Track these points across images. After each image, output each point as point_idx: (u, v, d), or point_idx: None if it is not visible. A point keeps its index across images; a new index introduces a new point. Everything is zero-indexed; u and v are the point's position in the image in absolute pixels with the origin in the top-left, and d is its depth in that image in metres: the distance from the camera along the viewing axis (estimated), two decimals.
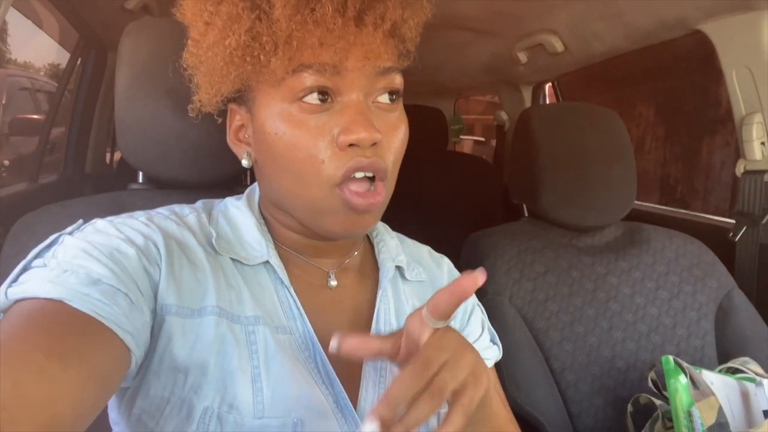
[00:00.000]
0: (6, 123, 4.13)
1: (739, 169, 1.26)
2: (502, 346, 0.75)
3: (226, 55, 0.53)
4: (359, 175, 0.53)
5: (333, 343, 0.48)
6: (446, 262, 0.75)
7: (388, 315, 0.63)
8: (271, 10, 0.51)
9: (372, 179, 0.55)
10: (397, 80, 0.56)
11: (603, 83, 3.25)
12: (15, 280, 0.47)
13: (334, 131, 0.53)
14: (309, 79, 0.52)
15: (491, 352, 0.72)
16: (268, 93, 0.54)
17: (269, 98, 0.54)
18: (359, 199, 0.53)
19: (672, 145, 3.42)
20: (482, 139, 7.22)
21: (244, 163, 0.61)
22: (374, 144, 0.53)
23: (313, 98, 0.53)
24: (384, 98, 0.56)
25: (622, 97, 3.50)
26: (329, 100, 0.53)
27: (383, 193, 0.55)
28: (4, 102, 4.42)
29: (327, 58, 0.51)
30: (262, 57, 0.52)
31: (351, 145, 0.52)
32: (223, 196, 0.69)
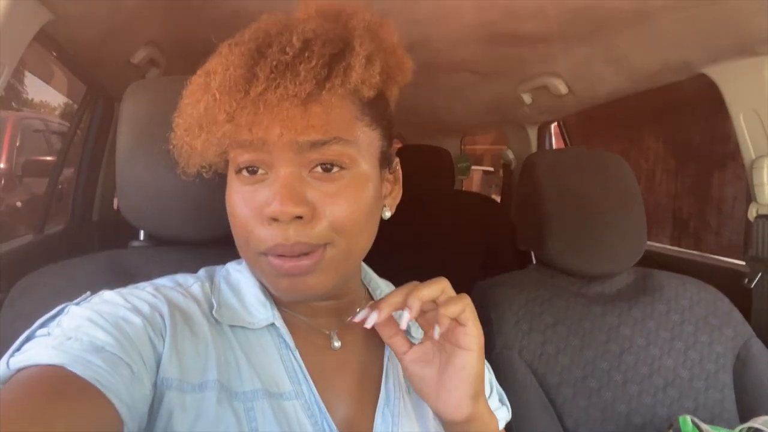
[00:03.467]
0: (19, 165, 4.21)
1: (752, 213, 1.24)
2: (513, 403, 0.73)
3: (178, 134, 0.57)
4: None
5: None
6: None
7: (396, 376, 0.63)
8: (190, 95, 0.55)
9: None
10: (339, 151, 0.54)
11: (610, 120, 3.26)
12: (18, 349, 0.47)
13: (263, 203, 0.53)
14: (239, 154, 0.54)
15: (501, 413, 0.70)
16: (230, 161, 0.57)
17: (230, 166, 0.57)
18: (288, 264, 0.53)
19: (683, 178, 3.39)
20: (491, 169, 7.25)
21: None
22: (299, 218, 0.52)
23: (249, 170, 0.55)
24: (318, 170, 0.54)
25: (631, 132, 3.50)
26: (264, 172, 0.54)
27: (320, 256, 0.54)
28: (18, 144, 4.52)
29: (240, 137, 0.52)
30: (187, 138, 0.56)
31: (275, 219, 0.52)
32: (225, 253, 0.69)
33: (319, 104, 0.53)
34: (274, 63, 0.51)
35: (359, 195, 0.55)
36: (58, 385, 0.42)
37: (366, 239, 0.58)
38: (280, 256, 0.53)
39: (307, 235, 0.52)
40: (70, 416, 0.41)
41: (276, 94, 0.51)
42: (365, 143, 0.56)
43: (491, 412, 0.56)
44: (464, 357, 0.52)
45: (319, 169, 0.54)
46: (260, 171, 0.54)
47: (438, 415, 0.55)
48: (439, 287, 0.54)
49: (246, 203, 0.54)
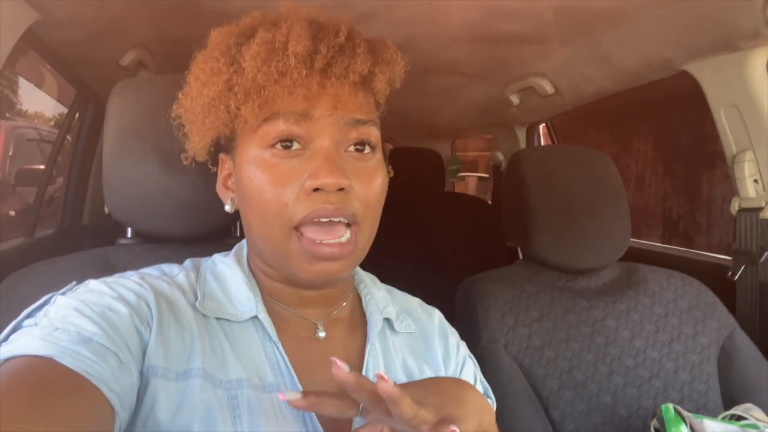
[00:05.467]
0: (12, 174, 4.20)
1: (734, 207, 1.25)
2: (498, 395, 0.73)
3: (205, 104, 0.57)
4: (324, 219, 0.54)
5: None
6: (437, 314, 0.74)
7: (377, 368, 0.63)
8: (243, 62, 0.55)
9: (347, 225, 0.56)
10: (372, 133, 0.58)
11: (599, 121, 3.28)
12: (5, 339, 0.48)
13: (302, 176, 0.54)
14: (279, 126, 0.55)
15: None
16: (246, 140, 0.57)
17: (247, 145, 0.57)
18: (325, 248, 0.54)
19: (672, 179, 3.41)
20: (486, 175, 7.25)
21: (227, 208, 0.64)
22: (341, 189, 0.54)
23: (284, 145, 0.55)
24: (354, 149, 0.57)
25: (620, 134, 3.52)
26: (300, 147, 0.56)
27: (354, 242, 0.56)
28: (11, 153, 4.50)
29: (295, 106, 0.54)
30: (233, 105, 0.55)
31: (316, 190, 0.54)
32: (212, 250, 0.69)
33: (366, 86, 0.57)
34: (331, 43, 0.54)
35: (382, 178, 0.59)
36: (49, 377, 0.43)
37: (376, 227, 0.61)
38: (321, 243, 0.54)
39: (348, 204, 0.55)
40: (65, 407, 0.41)
41: (339, 69, 0.54)
42: (380, 132, 0.61)
43: (487, 402, 0.56)
44: None
45: (354, 148, 0.57)
46: (296, 145, 0.55)
47: None
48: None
49: (279, 176, 0.55)
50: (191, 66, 0.61)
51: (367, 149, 0.58)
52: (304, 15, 0.58)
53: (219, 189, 0.65)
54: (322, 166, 0.53)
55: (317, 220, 0.54)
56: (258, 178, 0.55)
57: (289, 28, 0.54)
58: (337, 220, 0.55)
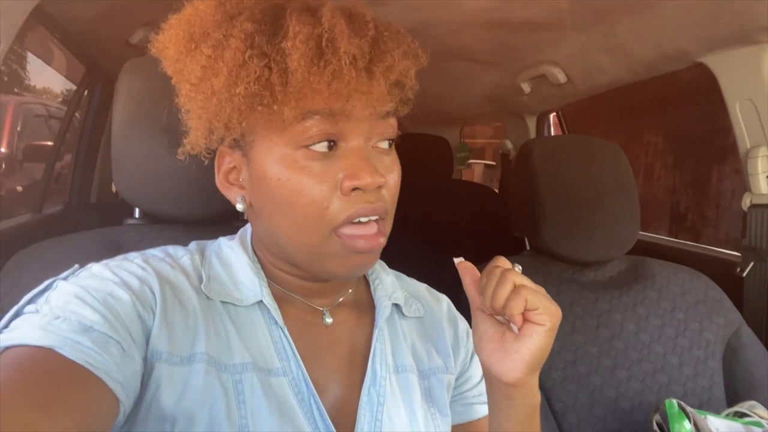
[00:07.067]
0: (20, 150, 4.21)
1: (745, 202, 1.24)
2: None
3: (234, 103, 0.52)
4: (364, 219, 0.54)
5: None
6: (446, 300, 0.74)
7: (384, 354, 0.62)
8: (285, 60, 0.50)
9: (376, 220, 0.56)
10: (395, 125, 0.58)
11: (610, 111, 3.25)
12: (6, 326, 0.47)
13: (338, 176, 0.53)
14: (315, 125, 0.52)
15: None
16: (270, 138, 0.54)
17: (271, 143, 0.54)
18: (361, 241, 0.54)
19: (681, 172, 3.38)
20: (493, 163, 7.22)
21: (239, 207, 0.60)
22: (379, 188, 0.54)
23: (321, 146, 0.53)
24: (384, 144, 0.57)
25: (630, 125, 3.49)
26: (333, 146, 0.54)
27: (383, 232, 0.56)
28: (19, 129, 4.51)
29: (335, 105, 0.52)
30: (275, 107, 0.51)
31: (355, 189, 0.53)
32: (220, 232, 0.69)
33: (399, 82, 0.56)
34: (366, 38, 0.52)
35: (398, 168, 0.59)
36: (50, 368, 0.42)
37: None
38: (357, 236, 0.54)
39: (383, 201, 0.55)
40: (68, 400, 0.41)
41: (381, 68, 0.52)
42: None
43: (537, 390, 0.56)
44: (533, 329, 0.51)
45: (384, 143, 0.57)
46: (337, 144, 0.54)
47: (485, 371, 0.55)
48: (507, 288, 0.52)
49: (317, 178, 0.53)
50: (174, 45, 0.55)
51: (391, 143, 0.58)
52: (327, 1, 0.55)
53: (220, 184, 0.61)
54: (360, 165, 0.53)
55: (357, 220, 0.54)
56: (292, 181, 0.53)
57: (330, 21, 0.51)
58: (374, 218, 0.55)
